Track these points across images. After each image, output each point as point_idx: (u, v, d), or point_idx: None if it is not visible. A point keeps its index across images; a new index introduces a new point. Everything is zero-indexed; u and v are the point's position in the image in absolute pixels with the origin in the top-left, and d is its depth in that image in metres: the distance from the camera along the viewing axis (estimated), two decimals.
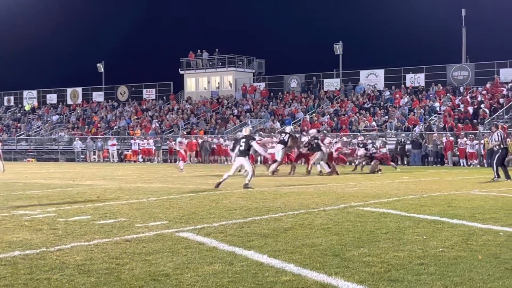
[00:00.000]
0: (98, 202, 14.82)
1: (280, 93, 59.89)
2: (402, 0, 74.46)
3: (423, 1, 73.38)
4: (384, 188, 19.13)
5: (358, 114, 49.68)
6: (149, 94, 68.82)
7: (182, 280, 6.70)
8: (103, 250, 8.40)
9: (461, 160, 38.98)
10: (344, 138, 36.72)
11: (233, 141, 30.57)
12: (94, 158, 53.44)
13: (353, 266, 7.30)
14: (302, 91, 59.38)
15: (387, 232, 9.80)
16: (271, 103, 57.90)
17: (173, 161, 47.67)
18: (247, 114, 56.03)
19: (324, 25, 72.14)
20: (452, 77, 53.53)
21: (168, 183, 22.03)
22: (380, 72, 57.38)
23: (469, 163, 38.40)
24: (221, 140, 47.13)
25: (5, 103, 75.85)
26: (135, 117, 62.44)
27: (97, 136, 57.16)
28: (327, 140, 27.69)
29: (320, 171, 27.74)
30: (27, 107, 73.36)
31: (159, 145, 50.56)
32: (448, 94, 50.08)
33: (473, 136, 39.25)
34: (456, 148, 39.51)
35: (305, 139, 27.93)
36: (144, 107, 65.21)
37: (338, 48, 58.96)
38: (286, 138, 26.71)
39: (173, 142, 49.29)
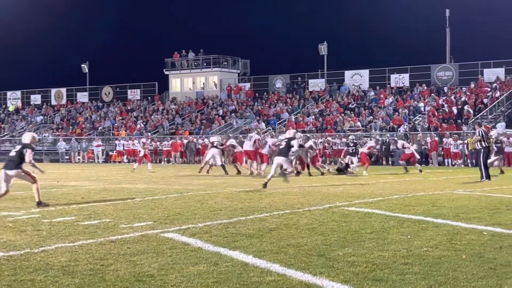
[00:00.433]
0: (83, 203, 14.76)
1: (265, 94, 59.91)
2: (386, 1, 74.72)
3: (407, 1, 73.66)
4: (369, 188, 19.18)
5: (343, 114, 49.78)
6: (133, 94, 68.64)
7: (167, 281, 6.69)
8: (88, 251, 8.37)
9: (446, 160, 39.16)
10: (377, 137, 35.93)
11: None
12: (79, 159, 53.22)
13: (338, 266, 7.32)
14: (287, 91, 59.43)
15: (371, 232, 9.83)
16: (256, 103, 57.91)
17: (158, 161, 47.57)
18: (232, 114, 56.01)
19: (309, 25, 72.33)
20: (436, 77, 53.75)
21: (153, 184, 21.99)
22: (365, 73, 57.52)
23: (453, 163, 38.58)
24: (206, 140, 47.06)
25: None
26: (120, 117, 62.25)
27: (82, 137, 56.92)
28: (308, 143, 27.53)
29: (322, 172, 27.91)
30: (11, 108, 72.90)
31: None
32: (432, 94, 50.31)
33: (457, 136, 39.43)
34: (441, 148, 39.68)
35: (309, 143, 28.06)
36: (129, 108, 65.03)
37: (323, 49, 59.05)
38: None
39: (158, 143, 49.31)
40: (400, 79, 55.31)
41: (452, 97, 48.85)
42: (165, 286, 6.53)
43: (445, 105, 47.30)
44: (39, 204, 14.30)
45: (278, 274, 6.94)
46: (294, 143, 19.64)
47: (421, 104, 48.90)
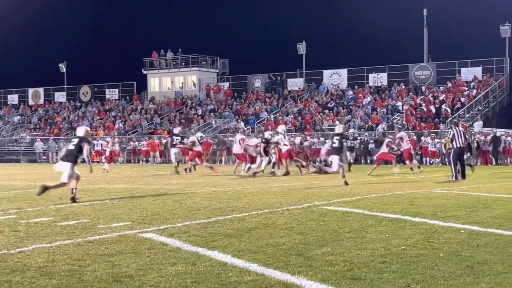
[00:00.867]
0: (60, 203, 14.67)
1: (244, 93, 59.92)
2: (364, 1, 74.95)
3: (385, 1, 73.94)
4: (347, 187, 19.24)
5: (321, 114, 49.92)
6: (112, 94, 68.37)
7: (145, 281, 6.67)
8: (65, 252, 8.32)
9: (423, 159, 39.37)
10: (405, 133, 34.56)
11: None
12: (57, 159, 52.83)
13: (316, 265, 7.33)
14: (266, 90, 59.47)
15: (350, 231, 9.86)
16: (235, 102, 57.91)
17: (136, 161, 47.44)
18: (211, 114, 55.95)
19: (287, 25, 72.25)
20: (414, 77, 54.06)
21: (131, 184, 21.92)
22: (343, 72, 57.71)
23: (431, 162, 38.83)
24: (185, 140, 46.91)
25: None
26: (98, 117, 61.98)
27: (60, 137, 56.59)
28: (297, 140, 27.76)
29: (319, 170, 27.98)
30: None
31: (124, 146, 50.21)
32: (410, 94, 50.59)
33: (434, 135, 39.69)
34: (419, 147, 39.88)
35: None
36: (107, 108, 64.75)
37: (302, 48, 59.17)
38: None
39: (137, 143, 49.12)
40: (378, 79, 55.58)
41: (430, 96, 49.15)
42: (143, 286, 6.51)
43: (423, 104, 47.59)
44: (44, 189, 14.58)
45: (256, 274, 6.94)
46: (346, 142, 20.59)
47: (399, 103, 49.16)
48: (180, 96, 63.28)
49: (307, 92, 56.78)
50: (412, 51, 61.21)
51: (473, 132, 38.03)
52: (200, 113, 56.84)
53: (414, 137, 40.02)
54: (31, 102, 72.02)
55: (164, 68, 65.59)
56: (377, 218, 11.29)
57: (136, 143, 49.19)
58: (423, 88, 51.98)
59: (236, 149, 29.46)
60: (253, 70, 63.37)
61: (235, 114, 54.75)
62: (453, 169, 22.44)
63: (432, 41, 56.97)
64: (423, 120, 44.01)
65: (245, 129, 44.12)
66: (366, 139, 42.65)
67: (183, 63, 64.98)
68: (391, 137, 30.73)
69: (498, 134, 38.48)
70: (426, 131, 40.54)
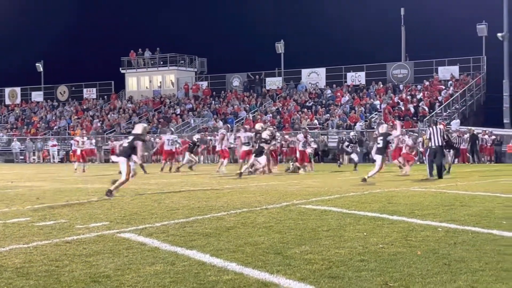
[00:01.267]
0: (37, 203, 14.57)
1: (222, 92, 59.89)
2: (342, 0, 75.14)
3: (363, 0, 74.21)
4: (325, 185, 19.29)
5: (300, 113, 50.01)
6: (89, 93, 68.05)
7: (123, 281, 6.64)
8: (43, 253, 8.26)
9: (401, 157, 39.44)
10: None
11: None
12: (34, 159, 52.55)
13: (294, 264, 7.34)
14: (244, 89, 59.48)
15: (328, 229, 9.87)
16: (213, 102, 57.84)
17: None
18: (190, 113, 55.86)
19: (266, 24, 72.23)
20: (392, 75, 54.33)
21: (109, 184, 21.78)
22: (322, 71, 57.89)
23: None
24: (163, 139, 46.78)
25: None
26: (76, 117, 61.65)
27: (37, 137, 56.23)
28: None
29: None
30: None
31: (101, 145, 50.00)
32: (389, 91, 50.83)
33: (412, 133, 39.86)
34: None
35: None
36: (84, 107, 64.42)
37: (280, 47, 59.22)
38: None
39: (115, 142, 48.87)
40: (357, 77, 55.83)
41: (407, 94, 49.43)
42: (121, 286, 6.48)
43: (401, 103, 47.84)
44: (110, 192, 15.55)
45: (235, 273, 6.93)
46: (390, 138, 20.97)
47: (377, 102, 49.38)
48: (159, 95, 63.12)
49: (286, 91, 56.85)
50: (390, 50, 61.56)
51: (450, 131, 38.28)
52: (178, 112, 56.72)
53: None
54: (7, 101, 71.50)
55: (142, 67, 65.39)
56: (355, 217, 11.32)
57: (115, 142, 48.94)
58: (401, 86, 52.26)
59: (219, 146, 29.48)
60: (232, 69, 63.40)
61: (214, 113, 54.70)
62: (428, 168, 22.58)
63: (409, 40, 57.36)
64: (401, 118, 44.22)
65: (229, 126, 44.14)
66: (344, 138, 42.73)
67: (161, 62, 64.83)
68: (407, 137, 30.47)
69: (475, 132, 38.77)
70: (404, 130, 40.71)
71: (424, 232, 9.44)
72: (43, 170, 35.08)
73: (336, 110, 49.14)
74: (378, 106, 48.64)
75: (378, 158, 20.58)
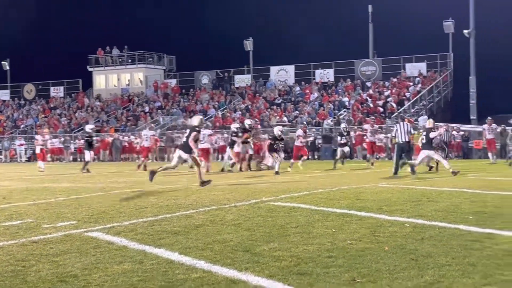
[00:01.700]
0: (4, 203, 14.40)
1: (191, 90, 59.74)
2: None
3: None
4: (294, 182, 19.33)
5: (269, 110, 50.07)
6: (57, 92, 67.46)
7: (91, 281, 6.59)
8: (9, 253, 8.17)
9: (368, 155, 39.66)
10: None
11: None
12: (1, 158, 51.99)
13: (263, 261, 7.34)
14: (213, 87, 59.41)
15: (297, 226, 9.89)
16: (182, 99, 57.68)
17: (82, 159, 46.77)
18: (159, 111, 55.65)
19: (234, 21, 72.19)
20: (360, 72, 54.64)
21: (77, 183, 21.63)
22: (290, 68, 58.03)
23: (377, 157, 39.21)
24: (132, 137, 46.63)
25: None
26: (43, 115, 61.08)
27: (3, 136, 55.62)
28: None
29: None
30: None
31: (68, 144, 49.60)
32: (357, 88, 51.11)
33: (380, 129, 40.13)
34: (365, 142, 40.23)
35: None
36: (52, 105, 63.85)
37: (248, 44, 59.25)
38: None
39: (81, 141, 48.49)
40: (325, 74, 56.04)
41: (374, 91, 49.73)
42: (89, 286, 6.43)
43: (369, 100, 48.13)
44: (203, 183, 16.44)
45: (203, 271, 6.92)
46: (432, 134, 21.75)
47: (346, 99, 49.62)
48: (127, 93, 62.77)
49: (255, 89, 56.89)
50: (358, 47, 61.92)
51: (419, 127, 38.57)
52: (147, 110, 56.47)
53: (361, 132, 40.46)
54: None
55: (110, 65, 64.99)
56: (324, 213, 11.36)
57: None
58: (369, 83, 52.58)
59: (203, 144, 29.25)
60: (201, 67, 63.27)
61: (183, 111, 54.54)
62: (394, 164, 22.70)
63: (377, 37, 57.72)
64: (369, 115, 44.48)
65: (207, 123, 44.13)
66: (314, 134, 42.94)
67: (129, 60, 64.51)
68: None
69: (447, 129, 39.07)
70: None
71: (392, 228, 9.51)
72: (10, 170, 34.74)
73: (305, 107, 49.28)
74: (346, 103, 48.90)
75: (431, 154, 21.95)
